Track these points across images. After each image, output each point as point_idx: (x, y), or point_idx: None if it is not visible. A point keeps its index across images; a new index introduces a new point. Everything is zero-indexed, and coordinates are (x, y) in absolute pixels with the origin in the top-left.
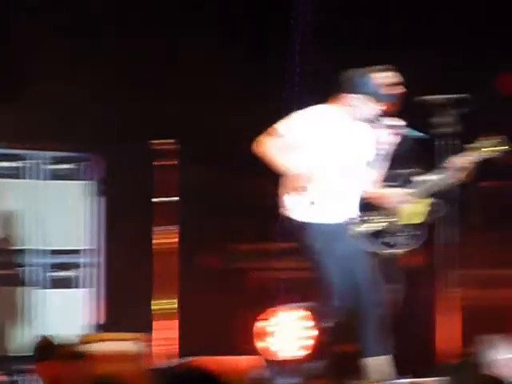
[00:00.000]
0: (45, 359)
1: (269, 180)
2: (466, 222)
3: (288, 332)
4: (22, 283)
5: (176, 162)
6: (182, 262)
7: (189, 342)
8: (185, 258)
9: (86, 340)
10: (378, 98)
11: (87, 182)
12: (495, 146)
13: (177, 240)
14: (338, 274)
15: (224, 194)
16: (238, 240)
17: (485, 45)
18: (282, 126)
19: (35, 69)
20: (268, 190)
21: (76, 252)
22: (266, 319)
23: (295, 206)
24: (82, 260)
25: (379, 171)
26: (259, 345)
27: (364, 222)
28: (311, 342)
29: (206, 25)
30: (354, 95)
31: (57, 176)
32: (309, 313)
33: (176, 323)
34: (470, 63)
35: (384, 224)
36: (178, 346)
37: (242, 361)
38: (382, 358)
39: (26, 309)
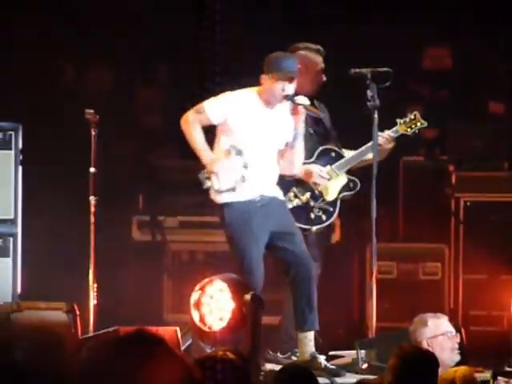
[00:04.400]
0: None
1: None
2: (383, 197)
3: (215, 303)
4: None
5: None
6: (108, 233)
7: (110, 313)
8: (110, 230)
9: (12, 308)
10: (292, 76)
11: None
12: (414, 123)
13: (93, 212)
14: (257, 251)
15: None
16: (164, 213)
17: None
18: (208, 104)
19: None
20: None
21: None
22: (200, 289)
23: (214, 187)
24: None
25: (299, 149)
26: (193, 315)
27: (293, 197)
28: (233, 314)
29: None
30: (270, 75)
31: None
32: (229, 284)
33: (94, 295)
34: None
35: (307, 199)
36: (96, 318)
37: (161, 331)
38: (311, 333)
39: None
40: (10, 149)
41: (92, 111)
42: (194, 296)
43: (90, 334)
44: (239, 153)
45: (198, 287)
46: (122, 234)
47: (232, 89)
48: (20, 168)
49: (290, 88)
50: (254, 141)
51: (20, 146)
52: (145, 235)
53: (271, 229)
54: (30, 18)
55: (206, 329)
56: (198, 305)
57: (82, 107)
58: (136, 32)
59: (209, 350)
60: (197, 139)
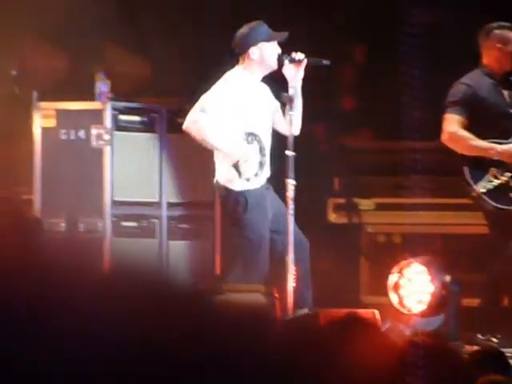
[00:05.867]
0: None
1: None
2: None
3: (414, 285)
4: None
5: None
6: (303, 216)
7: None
8: (306, 213)
9: (213, 290)
10: (272, 37)
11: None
12: None
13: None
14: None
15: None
16: (360, 195)
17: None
18: (210, 102)
19: None
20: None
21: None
22: (398, 272)
23: (232, 177)
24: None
25: (299, 107)
26: (391, 297)
27: (492, 177)
28: (432, 297)
29: None
30: (258, 46)
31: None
32: (428, 267)
33: (293, 278)
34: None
35: (507, 179)
36: (292, 299)
37: (361, 314)
38: None
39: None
40: (154, 131)
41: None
42: (392, 278)
43: (289, 316)
44: (255, 138)
45: (395, 269)
46: (317, 216)
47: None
48: (165, 151)
49: (277, 47)
50: (260, 122)
51: (165, 128)
52: (341, 217)
53: (272, 211)
54: None
55: (405, 311)
56: (396, 287)
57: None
58: None
59: (408, 333)
60: (213, 141)
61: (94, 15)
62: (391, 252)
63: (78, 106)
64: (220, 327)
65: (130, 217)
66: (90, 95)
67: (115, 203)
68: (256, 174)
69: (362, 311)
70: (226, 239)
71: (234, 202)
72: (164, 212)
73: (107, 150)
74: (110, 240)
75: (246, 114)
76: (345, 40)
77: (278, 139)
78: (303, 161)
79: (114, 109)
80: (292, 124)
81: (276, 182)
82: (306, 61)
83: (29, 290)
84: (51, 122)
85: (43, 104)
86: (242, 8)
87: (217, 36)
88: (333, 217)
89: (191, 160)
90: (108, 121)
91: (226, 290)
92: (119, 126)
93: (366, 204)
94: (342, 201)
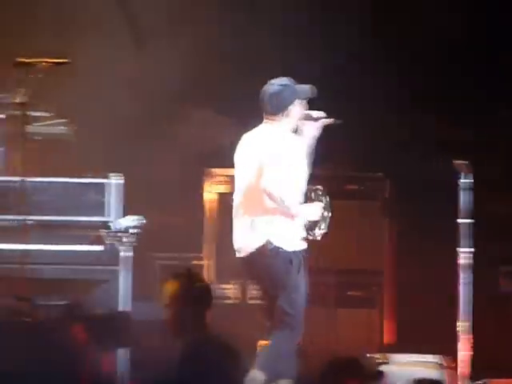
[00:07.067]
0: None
1: None
2: None
3: None
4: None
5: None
6: (476, 282)
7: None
8: (479, 280)
9: (381, 360)
10: (306, 94)
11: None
12: None
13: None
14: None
15: None
16: None
17: None
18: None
19: None
20: None
21: (364, 272)
22: None
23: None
24: (369, 280)
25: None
26: None
27: None
28: None
29: None
30: (292, 104)
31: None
32: None
33: (467, 343)
34: None
35: None
36: (469, 368)
37: None
38: None
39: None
40: (377, 199)
41: (461, 162)
42: None
43: None
44: (321, 194)
45: None
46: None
47: None
48: (387, 219)
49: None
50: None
51: (386, 196)
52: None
53: None
54: None
55: None
56: None
57: (450, 157)
58: None
59: None
60: (287, 202)
61: None
62: None
63: None
64: None
65: None
66: None
67: None
68: (320, 229)
69: None
70: (396, 307)
71: (287, 261)
72: (332, 279)
73: None
74: None
75: (302, 170)
76: None
77: None
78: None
79: None
80: None
81: None
82: (324, 120)
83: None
84: (225, 188)
85: (216, 170)
86: None
87: None
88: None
89: (359, 227)
90: None
91: (393, 361)
92: None
93: None
94: None
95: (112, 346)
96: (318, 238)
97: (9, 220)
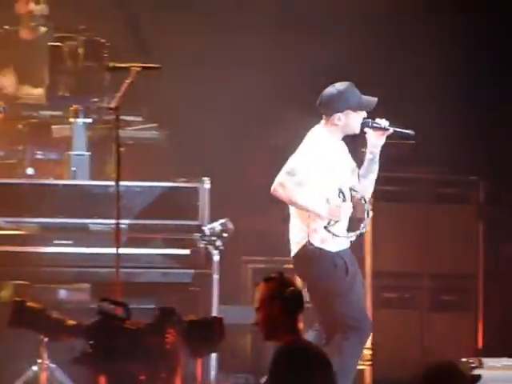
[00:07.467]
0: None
1: None
2: None
3: None
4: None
5: None
6: None
7: None
8: None
9: (475, 365)
10: (360, 107)
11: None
12: None
13: None
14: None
15: None
16: None
17: None
18: (294, 164)
19: None
20: None
21: (456, 276)
22: None
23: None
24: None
25: (375, 173)
26: None
27: None
28: None
29: None
30: (345, 112)
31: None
32: None
33: None
34: None
35: None
36: None
37: None
38: None
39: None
40: (471, 203)
41: None
42: None
43: None
44: (346, 196)
45: None
46: None
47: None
48: (481, 222)
49: (363, 114)
50: (346, 180)
51: (481, 199)
52: None
53: None
54: None
55: None
56: None
57: None
58: None
59: None
60: (303, 202)
61: None
62: None
63: None
64: None
65: (391, 287)
66: None
67: (377, 274)
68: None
69: None
70: (490, 312)
71: (330, 264)
72: (426, 283)
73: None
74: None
75: (335, 173)
76: None
77: None
78: None
79: None
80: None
81: None
82: (390, 130)
83: None
84: None
85: None
86: None
87: None
88: None
89: (454, 230)
90: None
91: (489, 366)
92: (383, 196)
93: None
94: None
95: (205, 351)
96: (352, 239)
97: (102, 224)
